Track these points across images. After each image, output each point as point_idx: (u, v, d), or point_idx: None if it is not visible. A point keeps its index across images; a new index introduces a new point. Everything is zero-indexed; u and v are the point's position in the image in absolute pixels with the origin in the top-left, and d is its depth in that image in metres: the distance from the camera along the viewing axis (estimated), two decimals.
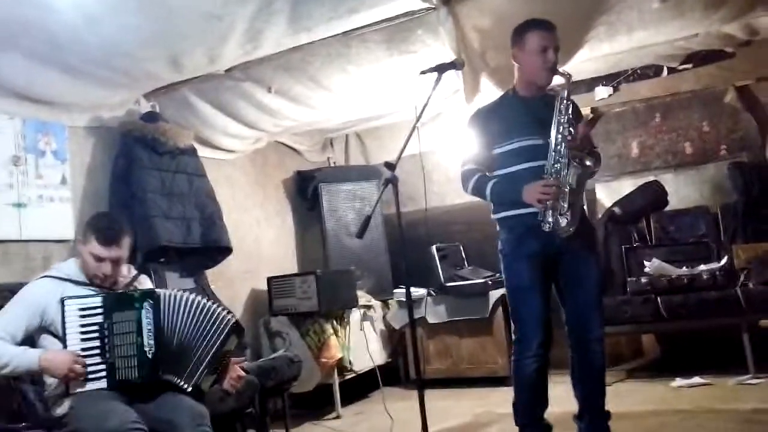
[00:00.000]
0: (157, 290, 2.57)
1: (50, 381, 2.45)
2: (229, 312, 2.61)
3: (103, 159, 3.82)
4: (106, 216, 2.77)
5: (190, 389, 2.46)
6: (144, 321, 2.44)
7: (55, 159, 3.55)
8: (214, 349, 2.52)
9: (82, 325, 2.40)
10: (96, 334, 2.41)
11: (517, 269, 2.72)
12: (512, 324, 2.81)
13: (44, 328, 2.46)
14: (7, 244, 3.27)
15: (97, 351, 2.40)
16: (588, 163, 2.62)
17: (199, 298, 2.58)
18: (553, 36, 2.67)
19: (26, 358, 2.36)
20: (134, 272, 2.73)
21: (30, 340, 2.46)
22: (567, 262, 2.72)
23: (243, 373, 2.81)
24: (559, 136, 2.60)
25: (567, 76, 2.64)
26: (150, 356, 2.42)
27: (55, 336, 2.44)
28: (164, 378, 2.45)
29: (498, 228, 2.83)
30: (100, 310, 2.42)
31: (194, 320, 2.53)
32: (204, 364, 2.50)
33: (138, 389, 2.42)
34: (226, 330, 2.55)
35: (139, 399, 2.41)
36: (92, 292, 2.49)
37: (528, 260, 2.68)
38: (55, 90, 3.33)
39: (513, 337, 2.81)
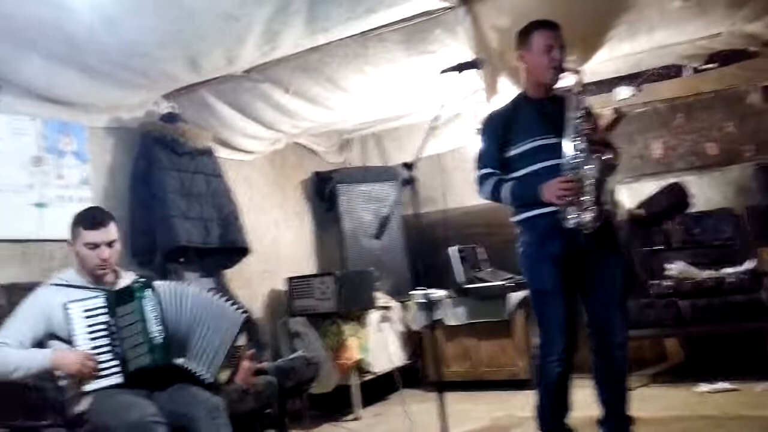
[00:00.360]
0: (155, 281, 2.60)
1: (64, 382, 2.46)
2: (239, 307, 2.64)
3: (123, 159, 3.85)
4: (86, 209, 2.80)
5: (211, 380, 2.49)
6: (147, 309, 2.45)
7: (75, 159, 3.58)
8: (228, 343, 2.55)
9: (89, 326, 2.43)
10: (104, 333, 2.44)
11: (540, 272, 2.68)
12: (537, 327, 2.77)
13: (52, 334, 2.49)
14: (27, 243, 3.30)
15: (108, 348, 2.43)
16: (608, 156, 2.59)
17: (203, 290, 2.64)
18: (558, 35, 2.68)
19: (37, 358, 2.40)
20: (134, 276, 2.76)
21: (39, 347, 2.49)
22: (591, 262, 2.68)
23: (254, 366, 2.82)
24: (576, 130, 2.58)
25: (577, 71, 2.65)
26: (160, 341, 2.43)
27: (63, 340, 2.47)
28: (177, 362, 2.46)
29: (518, 231, 2.80)
30: (104, 310, 2.46)
31: (202, 309, 2.57)
32: (219, 355, 2.53)
33: (153, 378, 2.44)
34: (238, 323, 2.59)
35: (156, 389, 2.43)
36: (94, 294, 2.52)
37: (552, 262, 2.64)
38: (74, 91, 3.36)
39: (537, 341, 2.77)
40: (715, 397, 3.75)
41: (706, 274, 4.20)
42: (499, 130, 2.76)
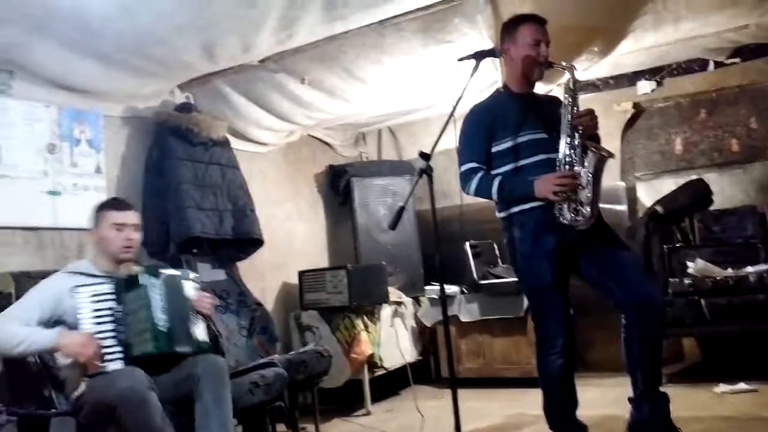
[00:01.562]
0: (159, 269, 2.66)
1: (62, 361, 2.50)
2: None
3: (138, 149, 3.84)
4: (111, 197, 2.90)
5: (190, 350, 2.55)
6: (154, 296, 2.50)
7: (89, 148, 3.57)
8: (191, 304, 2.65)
9: (95, 310, 2.46)
10: (109, 318, 2.47)
11: (539, 268, 2.63)
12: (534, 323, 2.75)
13: (57, 320, 2.51)
14: (42, 231, 3.29)
15: (112, 333, 2.45)
16: (603, 152, 2.54)
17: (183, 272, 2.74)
18: (545, 30, 2.65)
19: (42, 336, 2.42)
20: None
21: None
22: (588, 245, 2.62)
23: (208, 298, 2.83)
24: (570, 126, 2.53)
25: (570, 67, 2.60)
26: (164, 329, 2.47)
27: (69, 327, 2.49)
28: (181, 350, 2.51)
29: (504, 227, 2.72)
30: (111, 296, 2.49)
31: (183, 295, 2.65)
32: (191, 322, 2.62)
33: (154, 365, 2.45)
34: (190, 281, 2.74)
35: (156, 372, 2.44)
36: (103, 280, 2.54)
37: (548, 257, 2.59)
38: (90, 79, 3.33)
39: (535, 336, 2.73)
40: (734, 398, 3.67)
41: (727, 272, 4.12)
42: (486, 123, 2.70)
